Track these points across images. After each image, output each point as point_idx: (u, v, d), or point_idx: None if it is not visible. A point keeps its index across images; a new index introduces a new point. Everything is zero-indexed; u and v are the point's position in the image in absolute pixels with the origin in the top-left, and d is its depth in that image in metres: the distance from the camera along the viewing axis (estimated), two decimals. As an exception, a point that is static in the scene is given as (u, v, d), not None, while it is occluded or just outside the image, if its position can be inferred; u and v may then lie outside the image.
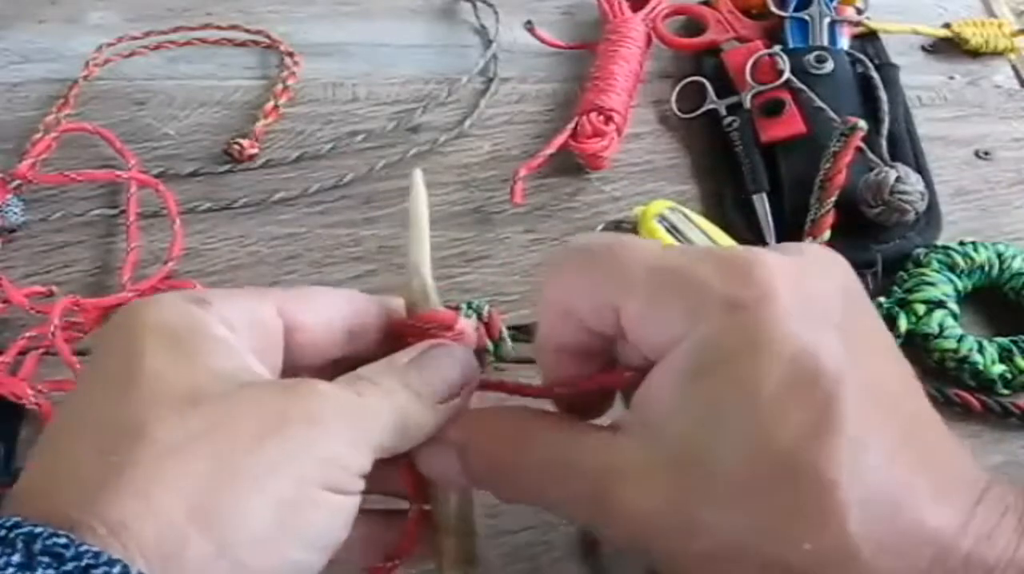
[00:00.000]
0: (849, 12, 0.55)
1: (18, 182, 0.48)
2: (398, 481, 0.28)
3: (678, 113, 0.53)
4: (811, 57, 0.51)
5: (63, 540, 0.19)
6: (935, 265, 0.43)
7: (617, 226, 0.45)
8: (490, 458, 0.27)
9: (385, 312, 0.29)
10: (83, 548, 0.19)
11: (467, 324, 0.29)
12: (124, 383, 0.23)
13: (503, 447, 0.27)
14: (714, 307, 0.23)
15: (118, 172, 0.48)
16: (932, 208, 0.46)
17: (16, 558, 0.18)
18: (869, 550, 0.22)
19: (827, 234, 0.43)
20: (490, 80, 0.55)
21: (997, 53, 0.57)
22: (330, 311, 0.28)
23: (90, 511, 0.20)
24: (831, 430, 0.22)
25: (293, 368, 0.27)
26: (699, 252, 0.25)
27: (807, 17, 0.54)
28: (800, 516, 0.22)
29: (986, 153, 0.52)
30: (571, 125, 0.50)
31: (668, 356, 0.24)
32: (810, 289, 0.24)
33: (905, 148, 0.49)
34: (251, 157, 0.51)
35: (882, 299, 0.43)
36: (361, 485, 0.24)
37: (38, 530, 0.19)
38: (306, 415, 0.23)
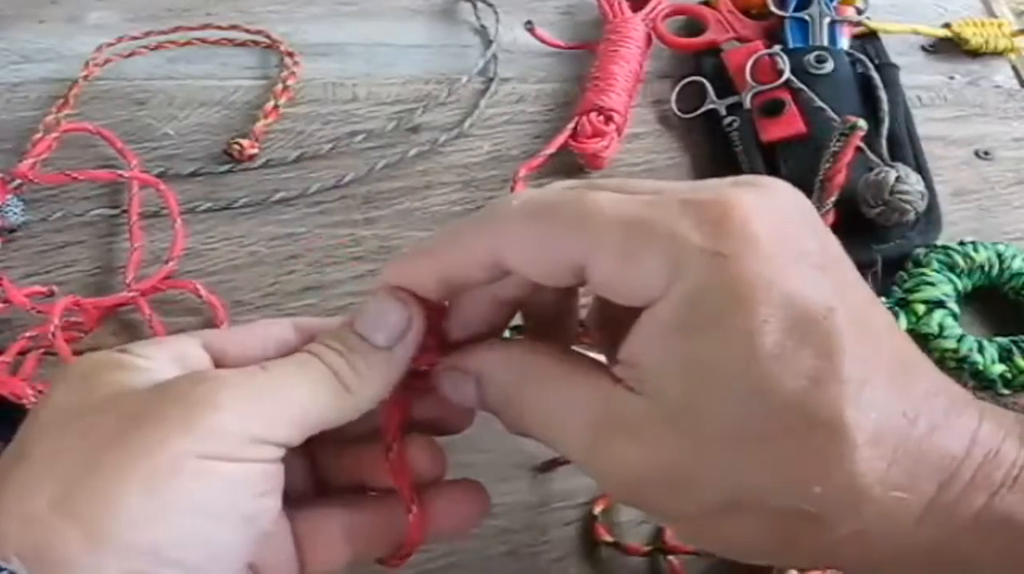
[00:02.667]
0: (849, 12, 0.55)
1: (18, 182, 0.48)
2: (388, 475, 0.28)
3: (678, 113, 0.53)
4: (811, 57, 0.51)
5: None
6: (935, 265, 0.43)
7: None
8: (501, 388, 0.27)
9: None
10: None
11: None
12: (28, 421, 0.25)
13: (512, 379, 0.27)
14: (695, 260, 0.22)
15: (119, 172, 0.48)
16: (932, 208, 0.47)
17: None
18: (878, 486, 0.22)
19: (827, 234, 0.43)
20: (490, 80, 0.55)
21: (997, 53, 0.57)
22: (258, 340, 0.28)
23: None
24: (833, 372, 0.22)
25: None
26: (669, 201, 0.24)
27: (807, 17, 0.54)
28: (808, 461, 0.22)
29: (986, 153, 0.52)
30: (571, 125, 0.50)
31: (652, 311, 0.23)
32: (787, 229, 0.23)
33: (905, 148, 0.49)
34: (251, 157, 0.51)
35: (882, 299, 0.43)
36: (260, 451, 0.24)
37: None
38: (180, 397, 0.24)
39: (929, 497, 0.22)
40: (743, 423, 0.22)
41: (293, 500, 0.29)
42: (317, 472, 0.30)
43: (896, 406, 0.22)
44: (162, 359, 0.26)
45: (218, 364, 0.27)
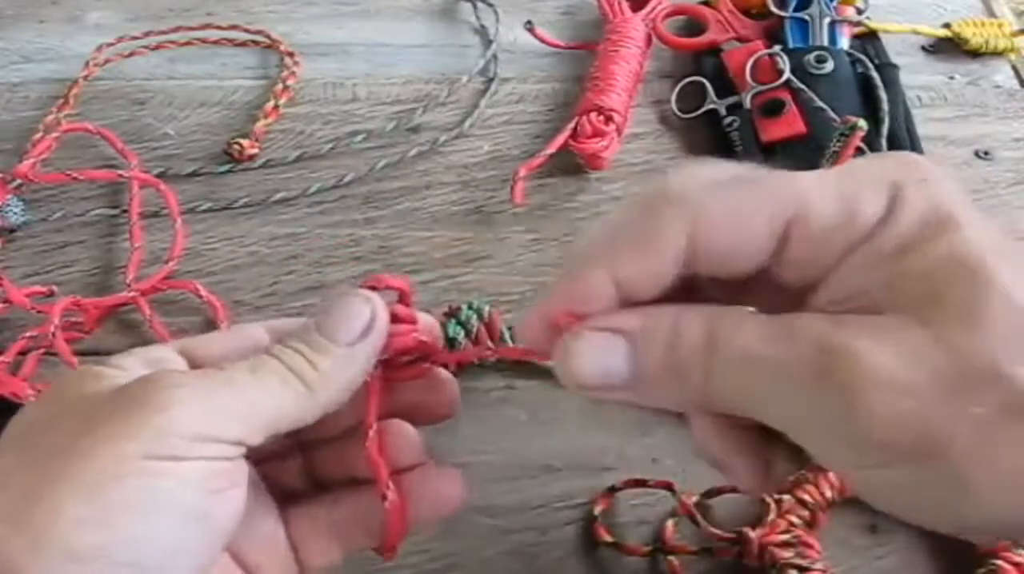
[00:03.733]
0: (849, 12, 0.55)
1: (18, 182, 0.48)
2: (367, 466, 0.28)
3: (678, 113, 0.53)
4: (811, 57, 0.51)
5: None
6: (935, 265, 0.43)
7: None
8: (678, 347, 0.23)
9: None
10: None
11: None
12: (2, 436, 0.25)
13: (697, 332, 0.23)
14: (913, 187, 0.23)
15: (119, 172, 0.48)
16: (932, 208, 0.46)
17: None
18: None
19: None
20: (490, 80, 0.55)
21: (997, 53, 0.57)
22: (235, 344, 0.28)
23: None
24: None
25: None
26: (861, 160, 0.26)
27: (807, 17, 0.54)
28: None
29: (986, 153, 0.52)
30: (571, 125, 0.50)
31: (873, 242, 0.23)
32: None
33: (905, 148, 0.49)
34: (251, 157, 0.51)
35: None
36: (209, 450, 0.24)
37: None
38: (130, 399, 0.24)
39: None
40: (983, 306, 0.21)
41: (290, 501, 0.29)
42: (312, 472, 0.30)
43: None
44: (135, 367, 0.26)
45: (194, 369, 0.27)
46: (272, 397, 0.25)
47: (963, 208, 0.23)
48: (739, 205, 0.23)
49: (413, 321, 0.28)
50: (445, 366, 0.30)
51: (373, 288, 0.28)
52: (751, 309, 0.24)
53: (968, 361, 0.21)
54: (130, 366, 0.26)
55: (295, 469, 0.30)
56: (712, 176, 0.24)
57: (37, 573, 0.22)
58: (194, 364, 0.28)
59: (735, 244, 0.23)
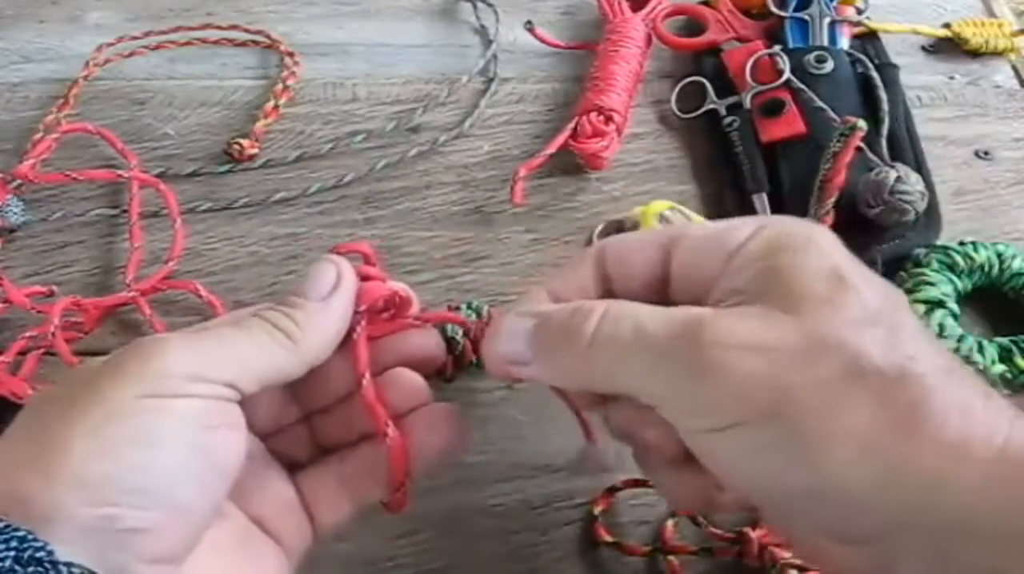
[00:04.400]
0: (849, 12, 0.55)
1: (18, 182, 0.48)
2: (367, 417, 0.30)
3: (678, 113, 0.53)
4: (811, 57, 0.51)
5: None
6: (935, 265, 0.43)
7: (618, 226, 0.45)
8: (560, 328, 0.28)
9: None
10: None
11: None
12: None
13: (578, 314, 0.28)
14: (774, 220, 0.29)
15: (119, 172, 0.48)
16: (932, 208, 0.47)
17: None
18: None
19: (827, 234, 0.43)
20: (490, 80, 0.55)
21: (997, 53, 0.57)
22: None
23: None
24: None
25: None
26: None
27: (807, 17, 0.54)
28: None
29: (986, 153, 0.52)
30: (571, 125, 0.50)
31: (742, 248, 0.27)
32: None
33: (905, 148, 0.49)
34: (251, 157, 0.51)
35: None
36: (202, 388, 0.26)
37: None
38: (127, 353, 0.26)
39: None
40: (836, 296, 0.25)
41: (299, 467, 0.31)
42: (319, 441, 0.32)
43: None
44: None
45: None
46: (257, 347, 0.28)
47: (821, 234, 0.27)
48: (632, 237, 0.31)
49: (381, 278, 0.31)
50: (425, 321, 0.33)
51: (340, 254, 0.31)
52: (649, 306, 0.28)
53: (819, 333, 0.24)
54: None
55: (301, 439, 0.32)
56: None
57: (50, 499, 0.23)
58: None
59: (631, 264, 0.29)
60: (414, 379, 0.32)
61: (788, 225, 0.28)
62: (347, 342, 0.30)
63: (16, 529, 0.22)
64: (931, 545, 0.23)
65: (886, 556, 0.24)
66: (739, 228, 0.28)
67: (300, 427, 0.32)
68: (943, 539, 0.23)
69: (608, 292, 0.30)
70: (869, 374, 0.24)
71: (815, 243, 0.27)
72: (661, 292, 0.29)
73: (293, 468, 0.31)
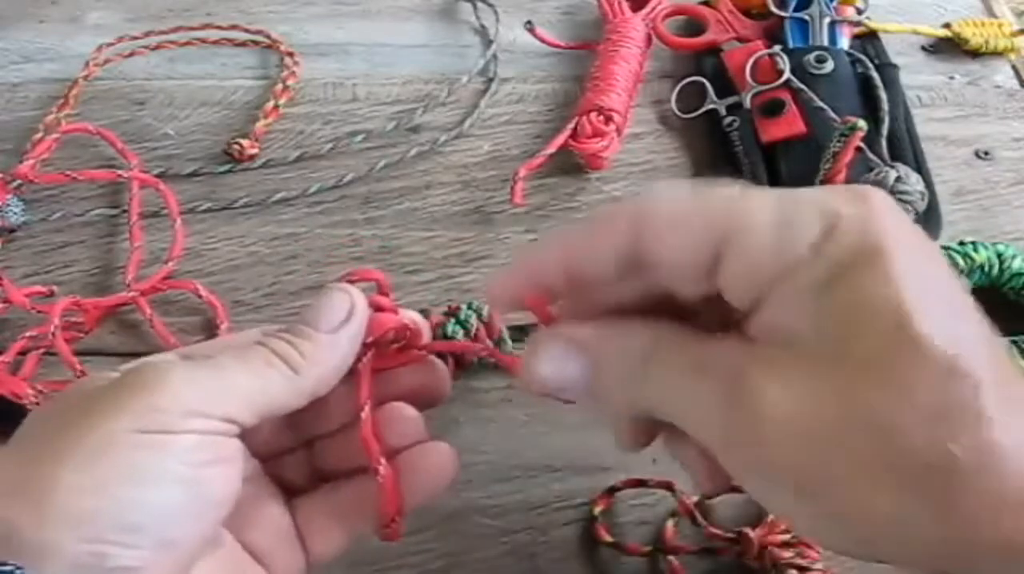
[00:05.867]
0: (849, 12, 0.55)
1: (18, 182, 0.48)
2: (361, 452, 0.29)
3: (678, 113, 0.53)
4: (811, 57, 0.51)
5: None
6: (935, 265, 0.43)
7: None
8: (619, 362, 0.26)
9: None
10: None
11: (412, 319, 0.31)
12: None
13: (635, 350, 0.26)
14: (848, 221, 0.23)
15: (119, 172, 0.48)
16: (932, 208, 0.46)
17: None
18: (1012, 449, 0.21)
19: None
20: (490, 80, 0.55)
21: (997, 53, 0.57)
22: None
23: None
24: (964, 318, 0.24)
25: None
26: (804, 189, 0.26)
27: (807, 17, 0.54)
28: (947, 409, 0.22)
29: (986, 153, 0.52)
30: (571, 125, 0.50)
31: (798, 272, 0.23)
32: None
33: (905, 148, 0.49)
34: (251, 157, 0.51)
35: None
36: (198, 424, 0.26)
37: None
38: (124, 383, 0.26)
39: None
40: (889, 355, 0.22)
41: (295, 494, 0.31)
42: (317, 467, 0.31)
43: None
44: None
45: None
46: (259, 379, 0.27)
47: (896, 242, 0.23)
48: (680, 209, 0.25)
49: (393, 309, 0.30)
50: (433, 353, 0.32)
51: (352, 282, 0.30)
52: (691, 330, 0.26)
53: (855, 410, 0.22)
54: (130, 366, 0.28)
55: (300, 464, 0.31)
56: (679, 188, 0.26)
57: (38, 534, 0.23)
58: None
59: (675, 247, 0.25)
60: (411, 415, 0.31)
61: (857, 237, 0.23)
62: (352, 371, 0.30)
63: (3, 563, 0.22)
64: None
65: None
66: (800, 227, 0.24)
67: (300, 451, 0.31)
68: None
69: (635, 265, 0.26)
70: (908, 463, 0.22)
71: (884, 264, 0.23)
72: (700, 280, 0.25)
73: (291, 492, 0.31)
